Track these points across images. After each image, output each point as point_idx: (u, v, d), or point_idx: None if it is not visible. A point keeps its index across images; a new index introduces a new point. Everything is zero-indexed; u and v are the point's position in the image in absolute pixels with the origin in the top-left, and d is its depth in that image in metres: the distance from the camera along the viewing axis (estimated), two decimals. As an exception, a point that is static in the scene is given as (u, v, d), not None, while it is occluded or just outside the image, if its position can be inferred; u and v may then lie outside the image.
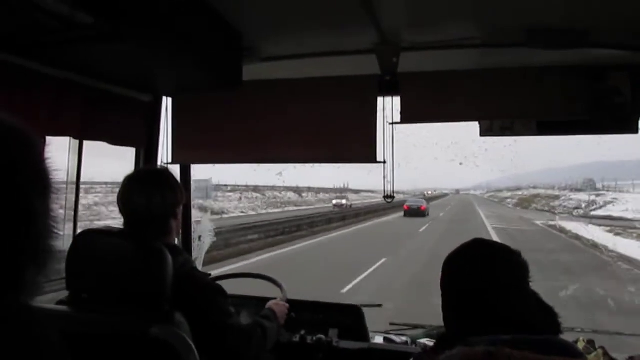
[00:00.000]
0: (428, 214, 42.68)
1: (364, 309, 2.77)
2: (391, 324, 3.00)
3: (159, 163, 2.85)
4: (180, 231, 2.90)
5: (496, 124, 2.63)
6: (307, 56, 2.42)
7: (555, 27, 2.01)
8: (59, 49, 1.82)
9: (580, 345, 2.55)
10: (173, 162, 2.92)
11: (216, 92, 2.59)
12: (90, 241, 1.76)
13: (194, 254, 3.16)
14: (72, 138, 2.32)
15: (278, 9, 1.95)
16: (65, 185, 2.40)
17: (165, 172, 2.09)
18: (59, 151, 2.35)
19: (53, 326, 0.79)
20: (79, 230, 2.15)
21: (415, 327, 2.93)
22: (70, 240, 1.81)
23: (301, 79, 2.71)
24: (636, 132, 2.39)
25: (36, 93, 1.99)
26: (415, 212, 42.05)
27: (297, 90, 2.74)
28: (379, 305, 3.22)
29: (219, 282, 2.36)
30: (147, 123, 2.78)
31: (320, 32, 2.18)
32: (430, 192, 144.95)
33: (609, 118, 2.37)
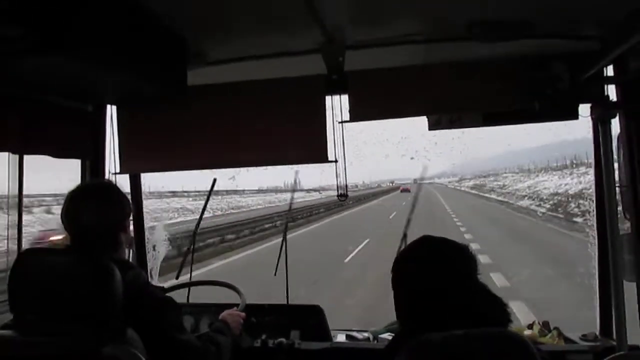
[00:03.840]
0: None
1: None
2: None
3: (106, 174, 2.77)
4: (133, 242, 2.86)
5: (444, 118, 2.67)
6: (253, 58, 2.40)
7: (495, 20, 2.05)
8: None
9: (536, 329, 2.63)
10: (121, 172, 2.84)
11: (162, 98, 2.53)
12: (34, 260, 1.69)
13: (149, 265, 3.09)
14: (10, 153, 2.23)
15: (221, 12, 1.92)
16: (6, 200, 2.32)
17: (109, 185, 2.05)
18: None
19: None
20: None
21: None
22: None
23: (248, 81, 2.68)
24: (577, 118, 2.47)
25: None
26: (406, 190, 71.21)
27: (245, 93, 2.71)
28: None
29: (175, 292, 2.33)
30: (91, 133, 2.70)
31: (265, 33, 2.16)
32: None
33: (551, 106, 2.43)
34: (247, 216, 26.12)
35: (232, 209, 43.62)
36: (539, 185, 41.24)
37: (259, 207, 46.94)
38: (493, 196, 48.94)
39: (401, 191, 77.50)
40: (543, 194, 35.46)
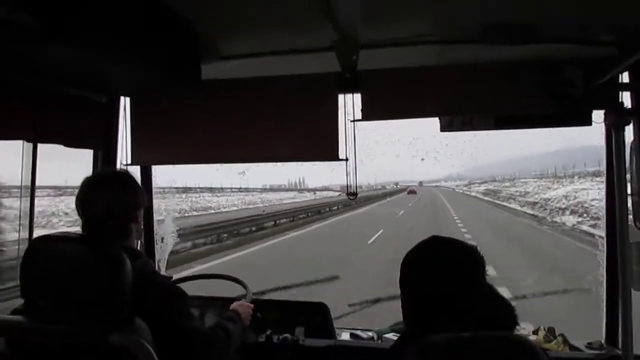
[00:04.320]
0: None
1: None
2: (349, 305, 3.04)
3: (118, 165, 2.79)
4: (142, 234, 2.88)
5: (456, 120, 2.66)
6: (267, 54, 2.40)
7: (510, 23, 2.04)
8: (6, 53, 1.76)
9: (541, 335, 2.62)
10: (132, 164, 2.86)
11: (174, 91, 2.55)
12: (45, 247, 1.71)
13: (157, 256, 3.11)
14: (25, 141, 2.25)
15: (236, 7, 1.92)
16: (19, 190, 2.34)
17: (125, 174, 2.06)
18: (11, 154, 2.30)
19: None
20: (35, 236, 2.09)
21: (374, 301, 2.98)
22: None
23: (261, 77, 2.69)
24: (590, 124, 2.45)
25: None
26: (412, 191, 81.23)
27: (257, 88, 2.72)
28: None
29: (183, 284, 2.35)
30: (104, 124, 2.72)
31: (279, 30, 2.16)
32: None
33: (564, 111, 2.42)
34: (202, 221, 20.91)
35: (195, 210, 37.93)
36: (580, 195, 29.70)
37: (232, 209, 40.88)
38: (515, 206, 38.46)
39: (408, 192, 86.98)
40: (592, 208, 24.54)
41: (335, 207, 38.81)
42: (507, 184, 67.39)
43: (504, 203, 44.33)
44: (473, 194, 75.76)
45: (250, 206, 43.39)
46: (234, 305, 2.32)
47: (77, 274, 1.61)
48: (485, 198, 57.27)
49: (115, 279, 1.59)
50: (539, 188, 44.53)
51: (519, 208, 37.02)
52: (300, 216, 30.01)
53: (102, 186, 1.89)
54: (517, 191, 49.30)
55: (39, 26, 1.51)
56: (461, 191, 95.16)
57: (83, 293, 1.60)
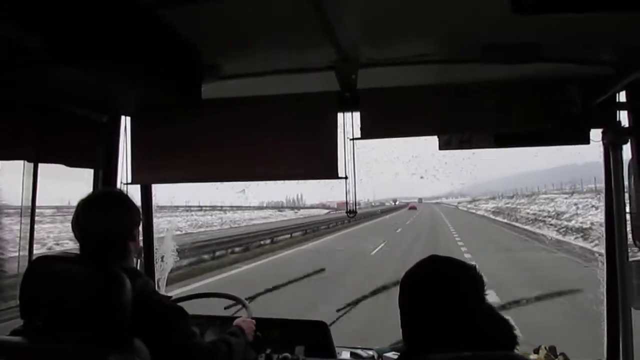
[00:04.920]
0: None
1: None
2: (338, 310, 3.03)
3: (118, 184, 2.80)
4: (142, 252, 2.88)
5: (454, 138, 2.67)
6: (267, 74, 2.42)
7: (509, 43, 2.06)
8: (8, 73, 1.77)
9: (542, 353, 2.60)
10: (133, 183, 2.86)
11: (175, 110, 2.56)
12: (45, 267, 1.71)
13: (157, 275, 3.10)
14: (26, 161, 2.26)
15: (237, 28, 1.94)
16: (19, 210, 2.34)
17: (119, 193, 2.07)
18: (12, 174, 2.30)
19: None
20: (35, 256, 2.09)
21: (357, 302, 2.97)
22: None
23: (261, 96, 2.71)
24: (588, 143, 2.46)
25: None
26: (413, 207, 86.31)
27: (257, 107, 2.73)
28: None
29: (182, 304, 2.34)
30: (105, 143, 2.73)
31: (280, 49, 2.18)
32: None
33: (562, 129, 2.43)
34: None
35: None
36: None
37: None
38: (552, 234, 25.39)
39: (409, 209, 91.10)
40: None
41: (316, 229, 32.73)
42: (524, 200, 52.02)
43: (529, 227, 31.11)
44: (480, 212, 61.16)
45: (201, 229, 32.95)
46: (237, 321, 2.33)
47: (76, 294, 1.61)
48: (499, 219, 44.26)
49: (115, 299, 1.59)
50: (578, 207, 30.01)
51: (567, 240, 22.81)
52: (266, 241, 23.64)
53: (97, 207, 1.90)
54: (542, 210, 36.23)
55: (40, 47, 1.53)
56: (465, 209, 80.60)
57: (82, 313, 1.60)
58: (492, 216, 49.51)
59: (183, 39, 2.02)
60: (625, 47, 2.03)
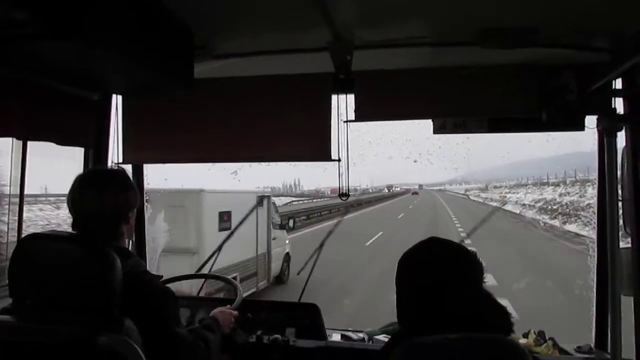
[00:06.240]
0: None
1: None
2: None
3: (109, 163, 2.76)
4: (133, 233, 2.86)
5: (449, 122, 2.66)
6: (261, 54, 2.39)
7: (506, 27, 2.04)
8: None
9: (531, 338, 2.63)
10: (124, 163, 2.83)
11: (167, 90, 2.53)
12: (34, 246, 1.67)
13: (148, 256, 3.09)
14: (14, 139, 2.23)
15: (230, 6, 1.91)
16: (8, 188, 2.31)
17: (120, 173, 2.02)
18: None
19: None
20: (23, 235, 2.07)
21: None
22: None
23: (254, 76, 2.68)
24: (583, 129, 2.46)
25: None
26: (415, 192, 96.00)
27: (251, 88, 2.70)
28: None
29: (172, 284, 2.33)
30: (96, 122, 2.69)
31: (273, 29, 2.15)
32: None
33: (557, 115, 2.42)
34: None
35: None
36: None
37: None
38: None
39: (412, 194, 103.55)
40: None
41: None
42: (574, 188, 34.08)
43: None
44: (516, 208, 36.79)
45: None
46: (214, 311, 2.29)
47: (66, 272, 1.59)
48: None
49: (105, 278, 1.57)
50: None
51: None
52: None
53: (96, 185, 1.84)
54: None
55: (31, 23, 1.49)
56: (480, 199, 59.31)
57: (72, 292, 1.58)
58: (541, 217, 29.53)
59: (176, 17, 1.99)
60: (621, 34, 2.02)
